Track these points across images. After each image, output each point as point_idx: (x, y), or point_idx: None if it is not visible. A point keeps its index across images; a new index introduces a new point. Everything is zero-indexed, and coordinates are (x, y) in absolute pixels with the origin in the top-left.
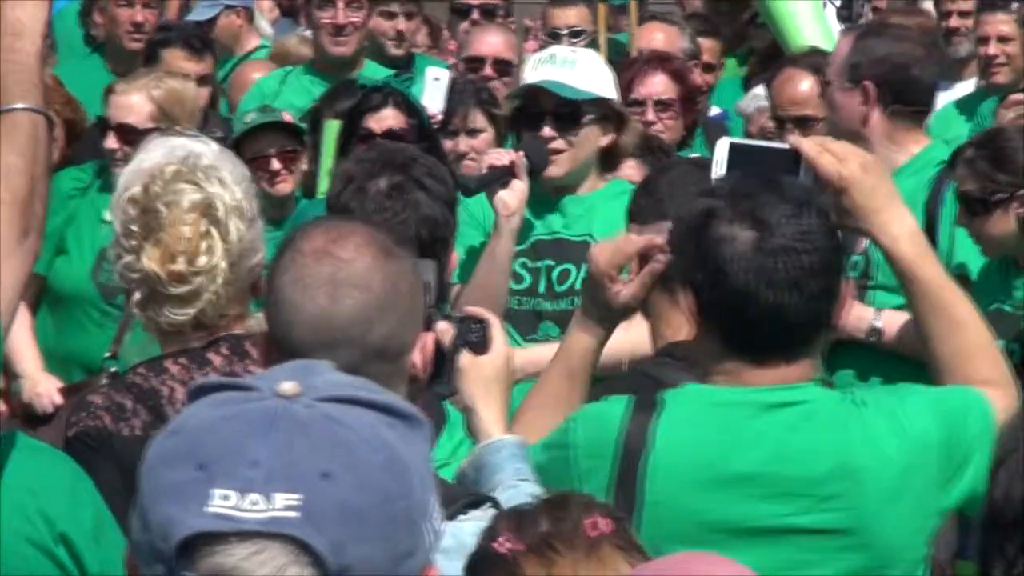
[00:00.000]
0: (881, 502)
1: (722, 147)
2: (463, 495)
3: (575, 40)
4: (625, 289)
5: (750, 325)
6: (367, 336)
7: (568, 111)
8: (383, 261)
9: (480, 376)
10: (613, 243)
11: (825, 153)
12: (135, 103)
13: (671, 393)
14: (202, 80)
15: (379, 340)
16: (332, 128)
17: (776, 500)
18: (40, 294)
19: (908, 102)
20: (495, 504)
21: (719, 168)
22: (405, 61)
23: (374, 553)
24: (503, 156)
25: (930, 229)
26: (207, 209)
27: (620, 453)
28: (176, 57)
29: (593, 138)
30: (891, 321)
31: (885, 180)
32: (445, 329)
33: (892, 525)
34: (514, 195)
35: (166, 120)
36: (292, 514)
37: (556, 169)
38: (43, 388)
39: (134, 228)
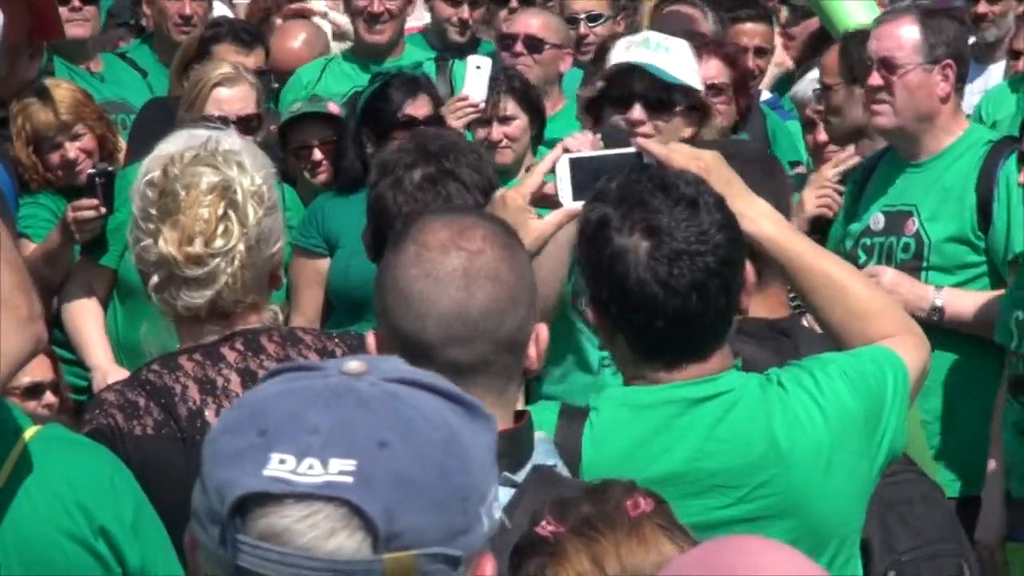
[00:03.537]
0: (811, 483)
1: (562, 165)
2: None
3: (592, 25)
4: (546, 219)
5: (659, 334)
6: (500, 329)
7: (662, 96)
8: (509, 252)
9: None
10: (519, 184)
11: (675, 151)
12: (247, 93)
13: (597, 398)
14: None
15: (510, 332)
16: None
17: (706, 495)
18: (111, 287)
19: (966, 82)
20: None
21: (563, 185)
22: (470, 47)
23: (426, 523)
24: (580, 139)
25: (984, 210)
26: (225, 191)
27: None
28: (227, 52)
29: (677, 129)
30: (952, 299)
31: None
32: None
33: (825, 502)
34: None
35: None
36: (346, 479)
37: None
38: (113, 380)
39: (152, 211)
